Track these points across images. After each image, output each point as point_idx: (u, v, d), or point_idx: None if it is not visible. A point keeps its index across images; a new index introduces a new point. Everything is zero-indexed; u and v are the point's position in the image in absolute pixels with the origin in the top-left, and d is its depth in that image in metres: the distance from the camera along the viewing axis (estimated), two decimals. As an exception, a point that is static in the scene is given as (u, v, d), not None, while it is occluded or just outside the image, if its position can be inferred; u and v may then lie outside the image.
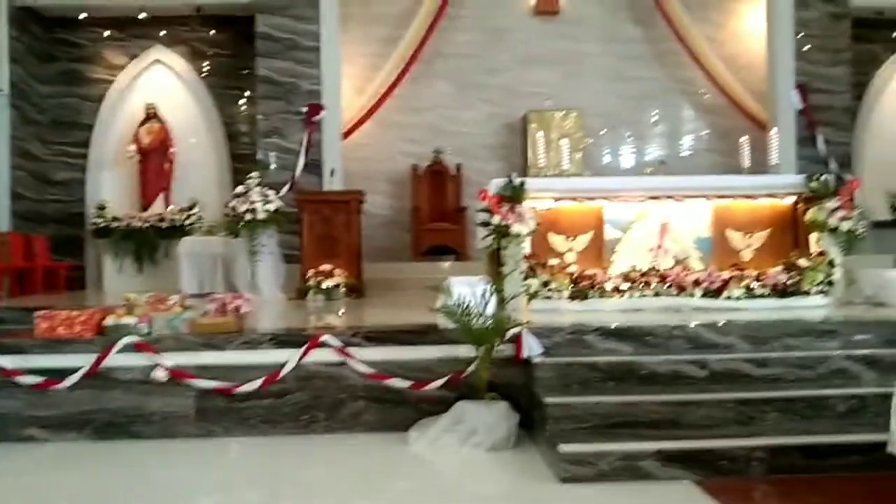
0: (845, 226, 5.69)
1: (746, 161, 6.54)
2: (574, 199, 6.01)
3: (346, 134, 9.27)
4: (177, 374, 4.36)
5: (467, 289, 4.43)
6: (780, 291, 5.61)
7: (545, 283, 5.62)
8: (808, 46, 8.64)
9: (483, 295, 4.38)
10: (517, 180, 5.73)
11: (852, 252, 6.30)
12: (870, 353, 4.34)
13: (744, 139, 6.70)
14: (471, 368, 4.29)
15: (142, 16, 9.06)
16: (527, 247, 5.69)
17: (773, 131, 6.94)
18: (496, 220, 5.58)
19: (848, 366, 4.31)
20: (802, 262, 5.68)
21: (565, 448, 3.56)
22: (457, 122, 9.48)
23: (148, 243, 8.89)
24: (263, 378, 4.38)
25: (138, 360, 4.42)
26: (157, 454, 4.16)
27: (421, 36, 9.19)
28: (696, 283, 5.68)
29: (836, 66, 8.75)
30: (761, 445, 3.59)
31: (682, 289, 5.67)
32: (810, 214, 5.81)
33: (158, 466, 3.99)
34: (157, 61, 9.46)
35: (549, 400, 3.90)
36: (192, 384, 4.37)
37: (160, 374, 4.34)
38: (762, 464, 3.56)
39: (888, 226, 9.35)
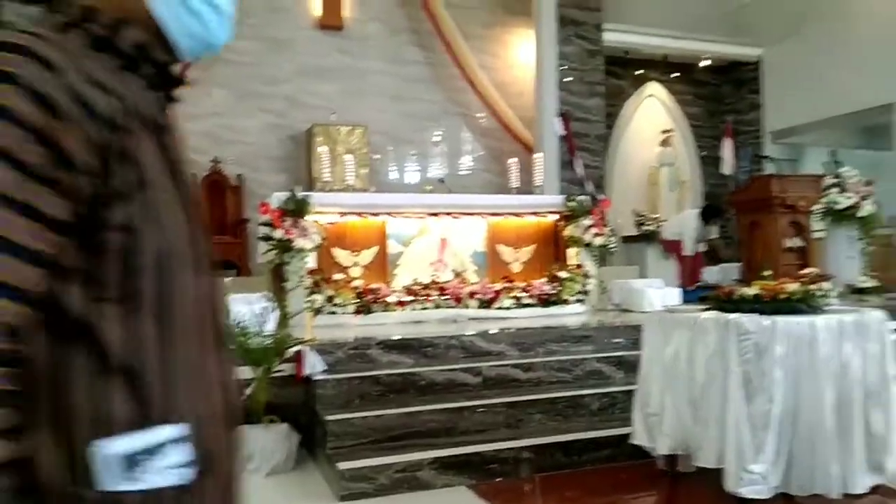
0: (598, 241, 6.36)
1: (515, 182, 7.06)
2: (359, 213, 6.07)
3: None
4: None
5: (245, 307, 4.25)
6: (544, 301, 6.12)
7: (330, 299, 5.59)
8: (570, 79, 9.57)
9: (262, 313, 4.23)
10: (301, 194, 5.64)
11: (605, 264, 7.07)
12: (619, 355, 4.87)
13: (512, 161, 7.22)
14: (248, 391, 4.12)
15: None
16: (311, 262, 5.62)
17: (539, 155, 7.57)
18: (278, 234, 5.44)
19: (601, 367, 4.80)
20: (562, 274, 6.25)
21: (344, 465, 3.54)
22: (237, 131, 9.10)
23: None
24: None
25: None
26: None
27: (198, 40, 8.73)
28: (472, 294, 6.01)
29: (592, 97, 9.77)
30: (528, 446, 3.87)
31: (459, 300, 5.96)
32: (568, 231, 6.42)
33: None
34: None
35: (330, 417, 3.87)
36: None
37: None
38: (529, 464, 3.83)
39: (635, 240, 10.63)
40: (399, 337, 4.73)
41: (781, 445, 3.03)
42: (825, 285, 3.57)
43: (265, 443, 3.91)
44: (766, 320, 3.06)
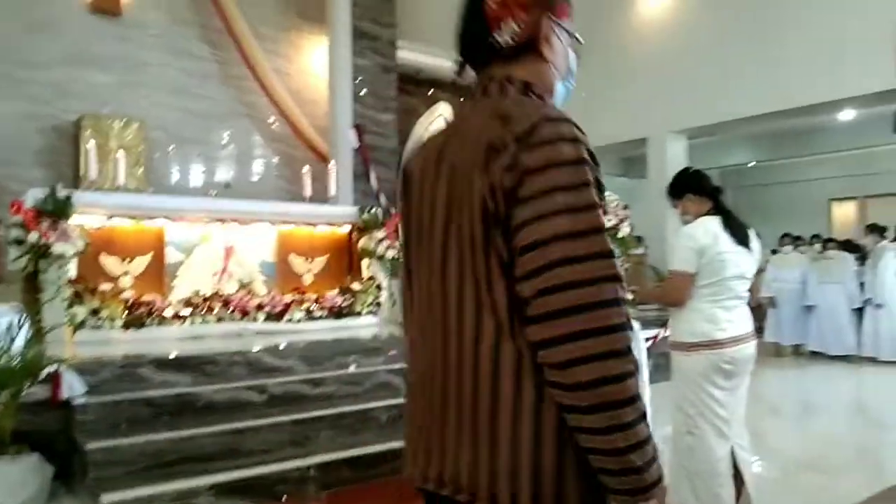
0: (390, 254, 6.43)
1: (308, 190, 6.91)
2: (132, 217, 5.53)
3: None
4: None
5: (-13, 321, 3.66)
6: (336, 313, 6.04)
7: (95, 311, 5.02)
8: (364, 92, 9.61)
9: (9, 328, 3.67)
10: (62, 192, 5.01)
11: (397, 276, 7.18)
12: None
13: (305, 170, 7.06)
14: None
15: None
16: (73, 270, 5.01)
17: (332, 165, 7.48)
18: (33, 237, 4.78)
19: (391, 379, 4.83)
20: (355, 286, 6.22)
21: (109, 497, 3.18)
22: (-14, 118, 7.91)
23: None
24: None
25: None
26: None
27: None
28: (260, 307, 5.75)
29: (385, 112, 9.91)
30: (315, 464, 3.75)
31: (245, 313, 5.67)
32: (362, 243, 6.42)
33: None
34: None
35: (92, 445, 3.45)
36: None
37: None
38: (315, 482, 3.72)
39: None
40: (175, 354, 4.36)
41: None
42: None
43: (12, 476, 3.38)
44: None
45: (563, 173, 1.03)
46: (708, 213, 2.93)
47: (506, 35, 1.21)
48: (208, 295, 5.63)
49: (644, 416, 1.04)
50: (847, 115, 10.52)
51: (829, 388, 6.92)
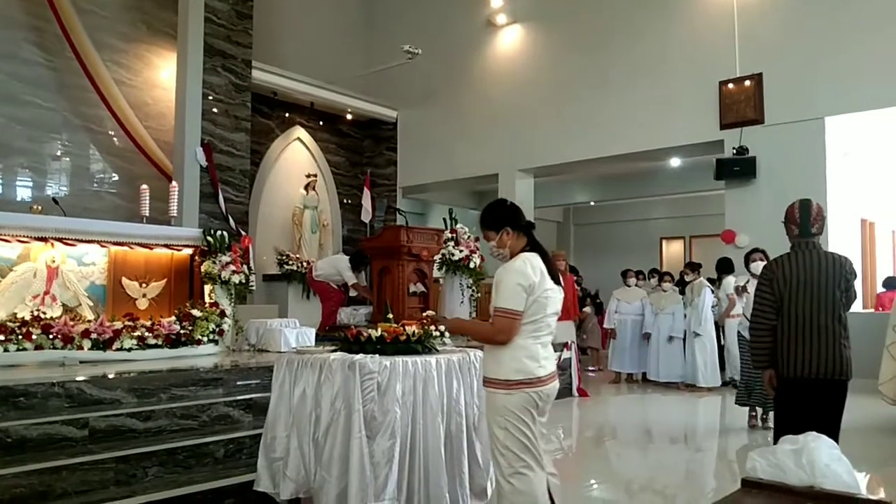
0: (236, 279, 6.15)
1: (146, 209, 6.49)
2: (-66, 232, 4.92)
3: None
4: None
5: None
6: (173, 341, 5.67)
7: None
8: (215, 110, 9.26)
9: None
10: None
11: (244, 302, 6.87)
12: (250, 398, 4.70)
13: (144, 188, 6.64)
14: None
15: None
16: None
17: (174, 184, 7.09)
18: None
19: (230, 411, 4.58)
20: (196, 312, 5.88)
21: None
22: None
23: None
24: None
25: None
26: None
27: None
28: (86, 333, 5.28)
29: (237, 132, 9.58)
30: (140, 504, 3.47)
31: (69, 340, 5.18)
32: (205, 266, 6.10)
33: None
34: None
35: None
36: None
37: None
38: (140, 524, 3.43)
39: (276, 279, 10.62)
40: (-18, 385, 3.89)
41: (402, 480, 3.20)
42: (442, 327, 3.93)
43: None
44: (386, 360, 3.25)
45: None
46: (524, 250, 2.90)
47: None
48: (26, 319, 5.09)
49: None
50: (676, 162, 11.56)
51: (661, 414, 7.43)
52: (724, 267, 8.31)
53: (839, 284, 3.32)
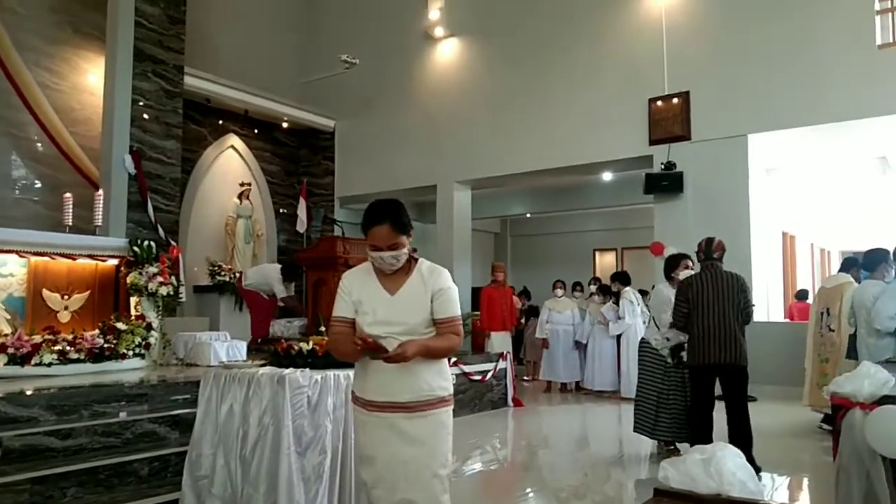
0: (163, 290, 5.99)
1: (70, 218, 6.26)
2: None
3: None
4: None
5: None
6: (97, 355, 5.47)
7: None
8: (145, 116, 9.00)
9: None
10: None
11: (174, 314, 6.69)
12: (176, 414, 4.59)
13: (68, 195, 6.41)
14: None
15: None
16: None
17: (100, 192, 6.86)
18: None
19: (155, 428, 4.46)
20: (121, 325, 5.70)
21: None
22: None
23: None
24: None
25: None
26: None
27: None
28: (2, 348, 5.05)
29: (168, 139, 9.33)
30: (56, 527, 3.33)
31: (-18, 356, 4.94)
32: (131, 278, 5.91)
33: None
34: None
35: None
36: None
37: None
38: (56, 548, 3.30)
39: (208, 290, 10.35)
40: None
41: (333, 496, 3.17)
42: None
43: None
44: (318, 374, 3.23)
45: None
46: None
47: None
48: (-66, 335, 4.84)
49: None
50: (608, 175, 11.87)
51: (593, 423, 7.59)
52: (623, 279, 9.13)
53: (736, 294, 4.63)
